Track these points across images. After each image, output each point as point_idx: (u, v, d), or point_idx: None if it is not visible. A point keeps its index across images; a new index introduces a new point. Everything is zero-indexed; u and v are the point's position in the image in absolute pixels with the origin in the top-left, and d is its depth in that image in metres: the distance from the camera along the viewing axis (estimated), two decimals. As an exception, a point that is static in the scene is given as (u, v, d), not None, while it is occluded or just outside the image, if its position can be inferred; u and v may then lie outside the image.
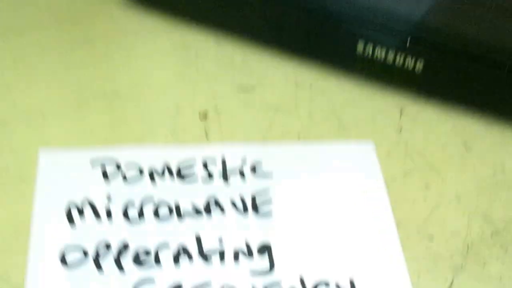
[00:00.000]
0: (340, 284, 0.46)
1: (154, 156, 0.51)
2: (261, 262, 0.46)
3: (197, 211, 0.48)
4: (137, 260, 0.45)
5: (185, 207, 0.48)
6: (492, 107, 0.58)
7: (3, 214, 0.47)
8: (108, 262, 0.45)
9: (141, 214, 0.48)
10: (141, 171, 0.50)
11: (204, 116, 0.55)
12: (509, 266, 0.48)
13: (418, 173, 0.53)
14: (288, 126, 0.56)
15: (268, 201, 0.50)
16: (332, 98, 0.58)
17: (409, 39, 0.55)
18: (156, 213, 0.48)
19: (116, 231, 0.47)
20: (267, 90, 0.58)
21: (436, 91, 0.59)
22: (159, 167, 0.50)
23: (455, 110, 0.58)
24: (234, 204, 0.49)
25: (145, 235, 0.47)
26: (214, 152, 0.52)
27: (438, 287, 0.47)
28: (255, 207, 0.49)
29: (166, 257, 0.46)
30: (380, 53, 0.57)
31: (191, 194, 0.49)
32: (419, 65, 0.56)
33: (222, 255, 0.46)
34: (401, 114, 0.58)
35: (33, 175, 0.49)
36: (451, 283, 0.47)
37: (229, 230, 0.48)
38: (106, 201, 0.48)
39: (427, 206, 0.51)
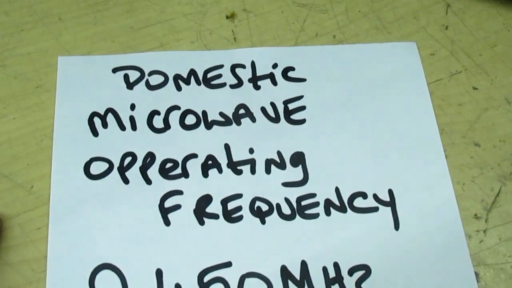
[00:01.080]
0: (378, 195, 0.44)
1: (179, 61, 0.48)
2: (294, 173, 0.44)
3: (226, 119, 0.46)
4: (163, 171, 0.44)
5: (213, 114, 0.46)
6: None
7: (26, 126, 0.46)
8: (133, 173, 0.44)
9: (166, 123, 0.45)
10: (165, 78, 0.47)
11: (231, 16, 0.51)
12: (562, 174, 0.46)
13: (465, 75, 0.50)
14: (322, 26, 0.52)
15: (302, 108, 0.47)
16: (371, -6, 0.54)
17: None
18: (182, 122, 0.46)
19: (141, 141, 0.45)
20: (299, -13, 0.54)
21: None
22: (184, 73, 0.47)
23: (506, 5, 0.53)
24: (265, 111, 0.46)
25: (171, 145, 0.45)
26: (243, 56, 0.49)
27: (484, 197, 0.45)
28: (287, 115, 0.46)
29: (194, 168, 0.44)
30: None
31: (218, 101, 0.46)
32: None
33: (253, 166, 0.44)
34: (447, 11, 0.53)
35: (54, 84, 0.47)
36: (498, 193, 0.45)
37: (260, 139, 0.45)
38: (129, 110, 0.46)
39: (474, 110, 0.48)
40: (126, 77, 0.47)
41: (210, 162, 0.44)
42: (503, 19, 0.53)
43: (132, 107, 0.46)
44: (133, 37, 0.50)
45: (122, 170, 0.43)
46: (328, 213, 0.43)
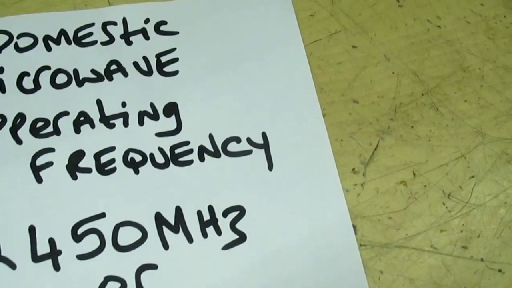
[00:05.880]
0: (252, 138, 0.44)
1: (48, 23, 0.47)
2: (168, 123, 0.44)
3: (98, 76, 0.45)
4: (34, 131, 0.43)
5: (84, 72, 0.45)
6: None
7: None
8: (3, 135, 0.43)
9: (36, 83, 0.45)
10: (35, 40, 0.46)
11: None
12: (439, 125, 0.46)
13: (345, 34, 0.50)
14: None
15: (175, 60, 0.47)
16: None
17: None
18: (52, 81, 0.45)
19: (10, 103, 0.44)
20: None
21: None
22: (54, 33, 0.47)
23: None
24: (137, 65, 0.46)
25: (42, 104, 0.44)
26: (114, 13, 0.48)
27: (362, 152, 0.45)
28: (160, 67, 0.46)
29: (66, 125, 0.43)
30: None
31: (90, 59, 0.46)
32: None
33: (125, 119, 0.44)
34: (328, -27, 0.54)
35: None
36: (376, 147, 0.45)
37: (132, 92, 0.45)
38: (-3, 73, 0.45)
39: (353, 68, 0.49)
40: (-7, 41, 0.46)
41: (82, 118, 0.43)
42: (384, -23, 0.53)
43: (1, 70, 0.45)
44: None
45: (-9, 132, 0.43)
46: (202, 159, 0.43)
